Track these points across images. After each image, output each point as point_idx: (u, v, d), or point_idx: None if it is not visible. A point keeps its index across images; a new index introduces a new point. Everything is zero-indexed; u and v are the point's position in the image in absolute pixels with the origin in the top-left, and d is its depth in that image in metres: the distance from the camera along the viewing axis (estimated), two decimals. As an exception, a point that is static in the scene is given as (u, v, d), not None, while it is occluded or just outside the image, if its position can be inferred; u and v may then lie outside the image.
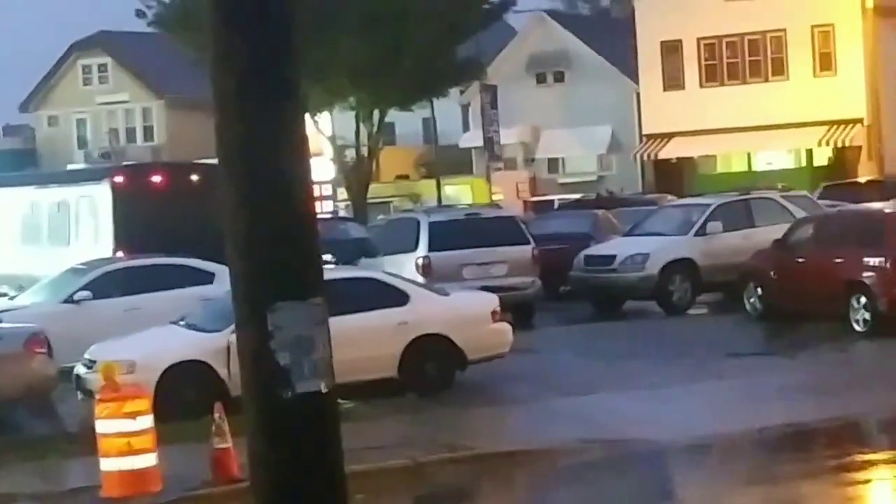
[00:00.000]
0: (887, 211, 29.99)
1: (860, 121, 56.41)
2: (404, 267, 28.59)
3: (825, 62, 58.87)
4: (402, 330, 22.56)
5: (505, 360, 23.28)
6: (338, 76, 45.87)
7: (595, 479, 18.02)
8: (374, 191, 53.78)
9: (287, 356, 5.51)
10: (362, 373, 21.00)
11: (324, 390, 5.59)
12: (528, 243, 31.78)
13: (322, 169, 47.33)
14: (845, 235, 28.81)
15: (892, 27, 58.41)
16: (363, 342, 21.38)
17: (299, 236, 5.59)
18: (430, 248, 30.74)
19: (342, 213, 47.20)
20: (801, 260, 28.88)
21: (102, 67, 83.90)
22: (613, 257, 33.05)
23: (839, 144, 57.97)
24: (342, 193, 51.10)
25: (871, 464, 17.97)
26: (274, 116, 5.48)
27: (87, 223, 31.42)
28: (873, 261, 27.27)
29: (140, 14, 50.03)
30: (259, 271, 5.56)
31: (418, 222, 32.77)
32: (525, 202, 53.74)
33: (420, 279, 27.13)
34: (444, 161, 69.19)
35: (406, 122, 66.01)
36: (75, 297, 25.25)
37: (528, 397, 22.61)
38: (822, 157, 59.28)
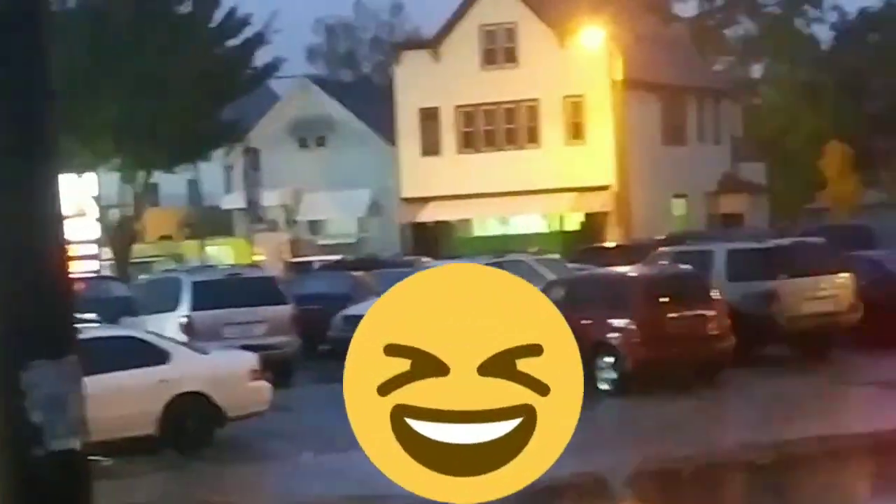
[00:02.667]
0: (632, 274, 30.55)
1: (608, 188, 57.57)
2: (166, 325, 28.31)
3: (576, 131, 60.02)
4: (162, 387, 22.31)
5: (264, 418, 23.17)
6: (102, 138, 45.35)
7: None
8: (138, 251, 53.16)
9: (40, 414, 5.48)
10: (122, 430, 20.75)
11: (78, 448, 5.56)
12: (287, 303, 31.82)
13: (86, 229, 46.64)
14: (593, 297, 29.19)
15: (639, 99, 59.89)
16: (123, 400, 21.16)
17: (52, 295, 5.55)
18: (192, 308, 30.51)
19: (106, 273, 46.45)
20: (551, 320, 29.23)
21: None
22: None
23: (589, 210, 59.12)
24: (106, 253, 50.37)
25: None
26: (26, 178, 5.46)
27: None
28: (620, 322, 27.80)
29: None
30: (11, 330, 5.52)
31: (180, 281, 32.54)
32: (287, 263, 53.57)
33: (182, 338, 26.91)
34: (208, 222, 68.77)
35: (171, 183, 65.32)
36: None
37: (286, 454, 22.52)
38: (573, 223, 60.27)
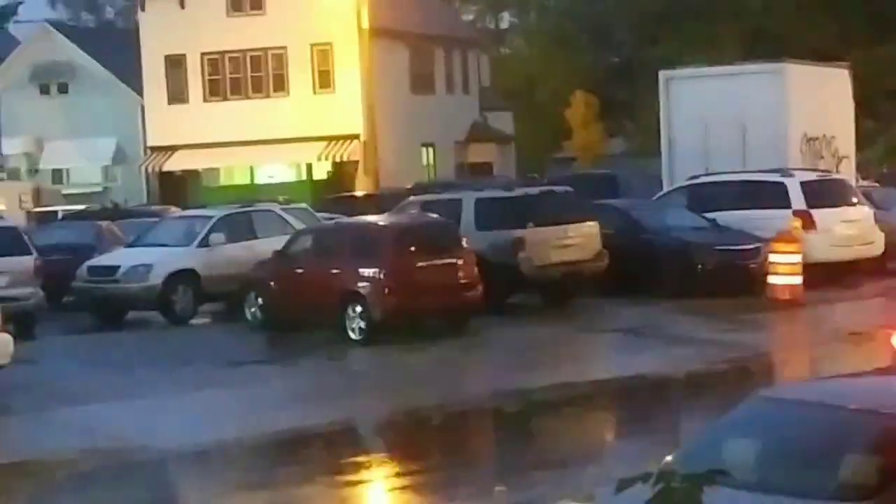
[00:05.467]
0: (381, 223, 30.67)
1: (357, 137, 57.59)
2: None
3: (324, 80, 59.81)
4: None
5: (5, 371, 22.75)
6: None
7: (94, 488, 17.88)
8: None
9: None
10: None
11: None
12: (30, 254, 31.26)
13: None
14: (342, 247, 29.31)
15: (387, 48, 60.02)
16: None
17: None
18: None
19: None
20: (300, 270, 29.16)
21: None
22: (117, 268, 32.76)
23: (337, 159, 59.08)
24: None
25: (364, 465, 18.47)
26: None
27: None
28: (368, 271, 27.88)
29: None
30: None
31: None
32: (28, 213, 52.45)
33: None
34: (-56, 170, 67.45)
35: None
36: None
37: (28, 408, 22.24)
38: (321, 172, 60.23)
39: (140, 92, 63.81)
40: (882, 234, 34.07)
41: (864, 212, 34.37)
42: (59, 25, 78.61)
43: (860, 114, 44.11)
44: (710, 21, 59.27)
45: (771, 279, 30.45)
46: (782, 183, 33.85)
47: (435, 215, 30.97)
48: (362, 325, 27.55)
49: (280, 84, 60.75)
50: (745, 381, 20.83)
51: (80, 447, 19.17)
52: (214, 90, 61.70)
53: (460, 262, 28.47)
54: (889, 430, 9.60)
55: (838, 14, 57.86)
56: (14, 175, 66.59)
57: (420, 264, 27.93)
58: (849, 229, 33.78)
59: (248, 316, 30.20)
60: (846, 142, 40.94)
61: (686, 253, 32.14)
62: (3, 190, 59.70)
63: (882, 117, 59.91)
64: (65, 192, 65.73)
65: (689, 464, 8.03)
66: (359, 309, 27.63)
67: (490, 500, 15.75)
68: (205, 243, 33.18)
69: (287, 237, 31.49)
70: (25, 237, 32.70)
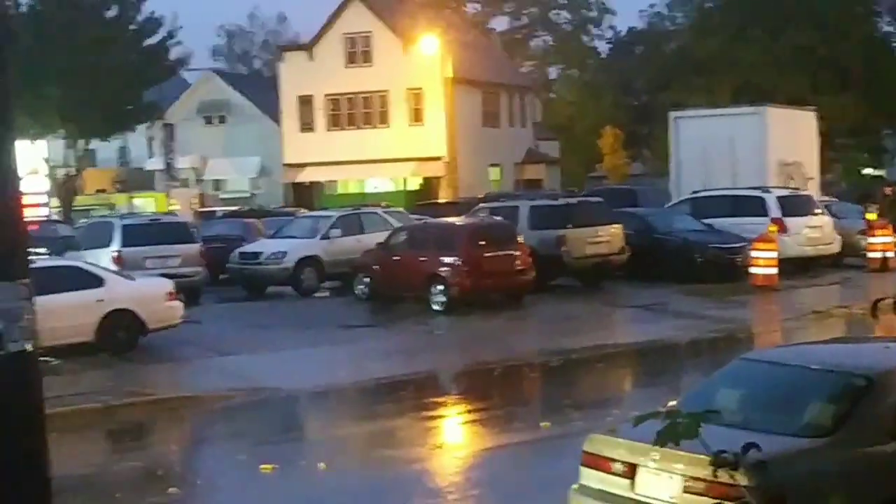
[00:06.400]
0: (458, 223, 30.69)
1: (441, 158, 57.57)
2: (102, 259, 27.92)
3: (416, 116, 59.90)
4: (98, 305, 22.12)
5: (177, 329, 23.07)
6: (49, 113, 44.51)
7: (240, 416, 18.02)
8: (80, 201, 52.43)
9: (0, 321, 5.43)
10: (68, 338, 20.61)
11: (29, 349, 5.52)
12: (197, 242, 31.56)
13: (37, 183, 45.81)
14: (428, 240, 29.35)
15: (464, 92, 59.91)
16: (69, 314, 20.94)
17: (8, 233, 5.51)
18: (122, 245, 30.21)
19: (54, 218, 45.63)
20: (396, 258, 29.23)
21: None
22: (260, 254, 33.03)
23: (426, 175, 59.24)
24: (54, 202, 49.48)
25: (443, 404, 18.52)
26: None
27: None
28: (448, 259, 27.91)
29: None
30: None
31: (112, 224, 32.16)
32: (195, 212, 52.86)
33: (114, 268, 26.57)
34: (134, 179, 68.07)
35: (105, 148, 64.42)
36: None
37: (193, 356, 22.42)
38: (414, 184, 60.28)
39: (279, 122, 64.13)
40: (839, 237, 33.98)
41: (825, 220, 34.16)
42: (219, 72, 79.22)
43: (823, 145, 43.94)
44: (709, 74, 58.88)
45: (752, 270, 30.26)
46: (762, 197, 33.71)
47: (499, 218, 31.02)
48: (443, 299, 27.63)
49: (384, 118, 60.89)
50: (732, 347, 20.64)
51: (229, 387, 19.32)
52: (334, 122, 61.92)
53: (517, 253, 28.45)
54: (841, 385, 9.53)
55: (808, 70, 57.42)
56: (185, 184, 67.23)
57: (487, 254, 27.94)
58: (813, 233, 33.59)
59: (357, 291, 30.33)
60: (811, 166, 40.84)
61: (688, 249, 31.97)
62: (178, 195, 60.43)
63: (839, 149, 59.51)
64: (222, 196, 66.40)
65: (689, 406, 7.99)
66: (440, 287, 27.73)
67: (537, 432, 15.71)
68: (326, 236, 33.38)
69: (387, 233, 31.61)
70: (193, 230, 33.07)
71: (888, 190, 39.33)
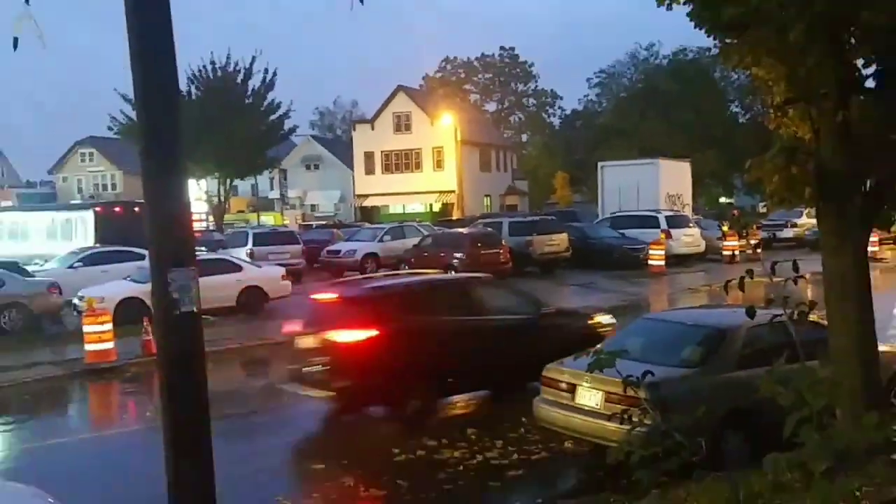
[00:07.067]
0: (464, 232, 30.64)
1: (454, 191, 57.50)
2: (240, 254, 27.99)
3: (439, 164, 59.71)
4: (238, 283, 22.20)
5: (286, 300, 22.76)
6: (208, 162, 44.64)
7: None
8: (226, 218, 52.40)
9: (177, 293, 5.46)
10: (219, 303, 20.72)
11: (195, 310, 5.55)
12: (300, 244, 31.56)
13: (200, 207, 46.00)
14: (445, 243, 29.29)
15: (468, 149, 59.80)
16: (221, 288, 21.05)
17: (182, 236, 5.55)
18: (253, 245, 30.27)
19: (211, 228, 45.71)
20: (425, 254, 29.12)
21: (90, 154, 79.34)
22: (339, 251, 32.98)
23: (444, 202, 59.13)
24: (211, 219, 49.58)
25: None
26: (168, 179, 5.43)
27: (81, 229, 29.88)
28: (457, 254, 27.83)
29: (109, 128, 47.97)
30: (164, 253, 5.49)
31: (247, 232, 32.35)
32: (299, 225, 52.80)
33: (248, 260, 26.63)
34: (261, 204, 68.09)
35: (243, 184, 64.55)
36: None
37: (297, 316, 22.26)
38: (437, 207, 60.14)
39: (352, 168, 64.09)
40: (704, 241, 33.80)
41: (695, 231, 34.02)
42: (315, 137, 79.14)
43: (695, 183, 43.84)
44: (623, 139, 58.71)
45: (650, 262, 30.15)
46: (656, 216, 33.59)
47: (489, 229, 30.96)
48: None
49: (418, 166, 60.76)
50: (636, 310, 20.53)
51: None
52: (387, 168, 61.78)
53: (501, 251, 28.39)
54: (705, 335, 9.48)
55: (686, 136, 57.25)
56: (292, 207, 67.19)
57: (482, 252, 27.89)
58: (688, 239, 33.44)
59: (401, 274, 30.28)
60: (687, 197, 40.74)
61: (608, 249, 31.90)
62: (288, 214, 60.51)
63: (705, 185, 59.21)
64: (316, 215, 66.15)
65: (609, 348, 8.01)
66: (453, 272, 27.60)
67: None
68: (381, 240, 33.33)
69: (419, 238, 31.58)
70: (297, 236, 33.04)
71: (735, 212, 39.08)
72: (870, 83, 7.17)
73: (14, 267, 21.73)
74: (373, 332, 10.92)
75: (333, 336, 11.16)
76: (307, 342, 11.81)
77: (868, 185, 7.40)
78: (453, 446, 10.14)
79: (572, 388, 9.23)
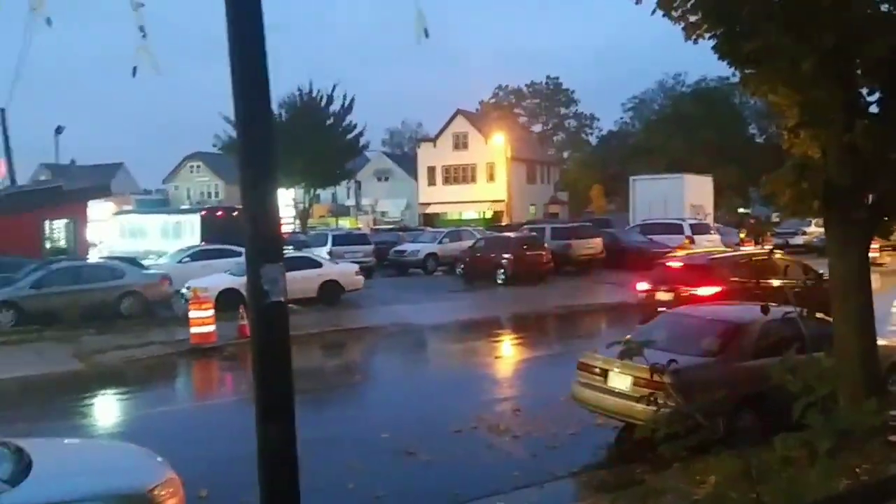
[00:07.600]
0: (512, 235, 30.49)
1: (503, 201, 57.33)
2: (321, 253, 28.14)
3: (491, 177, 59.70)
4: (319, 277, 22.36)
5: (359, 293, 23.14)
6: (295, 174, 45.28)
7: (394, 339, 18.04)
8: (310, 222, 53.03)
9: (267, 285, 5.52)
10: (303, 294, 20.88)
11: (282, 300, 5.62)
12: (371, 245, 31.70)
13: (287, 211, 46.58)
14: (496, 244, 29.07)
15: (517, 164, 59.54)
16: (304, 282, 21.19)
17: (272, 237, 5.61)
18: (332, 245, 30.47)
19: (297, 231, 46.28)
20: (479, 254, 29.05)
21: (197, 166, 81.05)
22: (405, 251, 33.01)
23: (495, 210, 58.91)
24: (297, 223, 50.22)
25: (501, 333, 18.24)
26: (263, 188, 5.51)
27: (189, 230, 30.47)
28: (506, 255, 27.69)
29: (213, 145, 48.96)
30: (258, 251, 5.56)
31: (328, 234, 32.55)
32: (371, 229, 53.07)
33: (327, 258, 26.88)
34: (339, 210, 68.61)
35: (324, 193, 64.92)
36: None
37: (367, 304, 22.46)
38: (490, 214, 59.99)
39: (416, 180, 64.25)
40: (724, 246, 33.05)
41: (716, 237, 33.32)
42: (385, 153, 79.43)
43: (716, 195, 43.01)
44: (652, 156, 57.88)
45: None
46: (681, 223, 33.04)
47: (534, 233, 30.76)
48: (504, 277, 27.36)
49: (473, 178, 60.71)
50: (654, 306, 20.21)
51: (387, 322, 19.41)
52: (447, 180, 61.86)
53: (544, 252, 28.21)
54: (722, 327, 9.34)
55: (708, 153, 56.23)
56: (365, 213, 67.63)
57: (527, 253, 27.77)
58: (710, 244, 32.55)
59: (458, 272, 30.07)
60: (709, 207, 40.00)
61: (639, 252, 31.26)
62: (362, 219, 60.74)
63: (724, 197, 58.01)
64: (385, 219, 66.49)
65: (637, 338, 7.93)
66: (502, 271, 27.48)
67: (553, 349, 15.59)
68: (440, 242, 33.27)
69: (473, 241, 31.47)
70: (369, 237, 33.18)
71: (752, 221, 38.36)
72: (873, 108, 7.00)
73: (132, 261, 22.32)
74: (718, 288, 14.41)
75: (693, 291, 14.68)
76: (664, 296, 15.65)
77: (870, 198, 7.23)
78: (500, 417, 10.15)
79: (604, 373, 9.15)
